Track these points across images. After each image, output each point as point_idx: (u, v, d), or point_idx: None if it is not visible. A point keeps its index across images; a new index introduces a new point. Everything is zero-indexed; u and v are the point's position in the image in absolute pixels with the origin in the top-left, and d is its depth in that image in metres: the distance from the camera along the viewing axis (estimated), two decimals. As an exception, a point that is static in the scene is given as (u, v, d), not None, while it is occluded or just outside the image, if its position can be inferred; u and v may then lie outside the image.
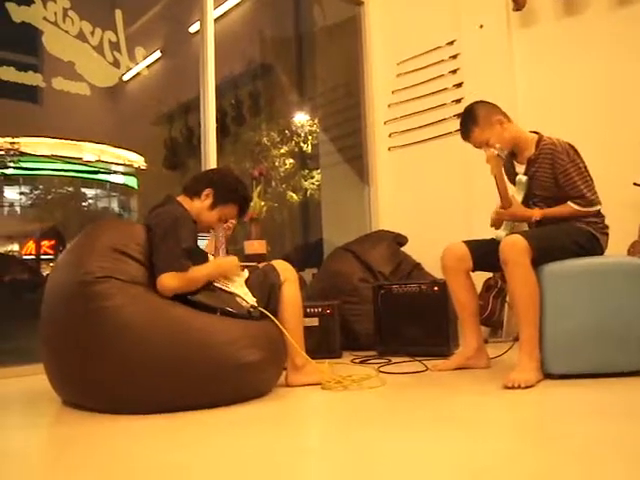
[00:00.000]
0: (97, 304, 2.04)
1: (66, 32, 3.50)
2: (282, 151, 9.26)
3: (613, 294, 2.38)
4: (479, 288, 3.64)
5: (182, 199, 2.48)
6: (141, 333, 2.04)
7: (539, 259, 2.41)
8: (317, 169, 7.66)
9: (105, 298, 2.04)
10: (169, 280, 2.16)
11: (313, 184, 8.88)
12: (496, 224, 2.75)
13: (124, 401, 2.06)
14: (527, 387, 2.21)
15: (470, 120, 2.69)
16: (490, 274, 3.80)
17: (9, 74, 3.27)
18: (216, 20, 4.19)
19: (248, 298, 2.36)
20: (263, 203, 3.59)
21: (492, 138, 2.63)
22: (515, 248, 2.38)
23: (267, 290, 2.46)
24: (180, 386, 2.05)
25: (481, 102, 2.74)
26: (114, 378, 2.04)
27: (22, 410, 2.36)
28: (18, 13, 3.35)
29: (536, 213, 2.58)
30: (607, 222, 2.61)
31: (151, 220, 2.35)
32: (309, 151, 9.05)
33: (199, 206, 2.48)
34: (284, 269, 2.54)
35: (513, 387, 2.21)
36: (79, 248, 2.24)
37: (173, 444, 1.69)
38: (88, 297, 2.05)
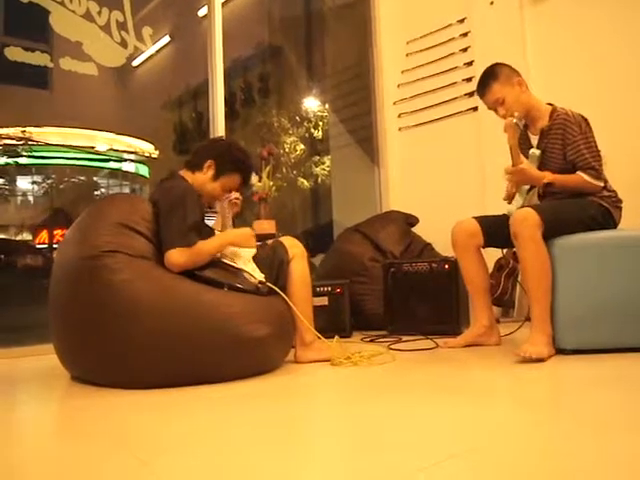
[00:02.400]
0: (104, 278, 2.03)
1: (73, 12, 3.49)
2: (293, 138, 9.22)
3: (627, 268, 2.34)
4: (490, 267, 3.60)
5: (184, 173, 2.46)
6: (148, 307, 2.03)
7: (550, 233, 2.37)
8: (328, 155, 7.62)
9: (112, 272, 2.04)
10: (177, 256, 2.15)
11: (324, 170, 8.84)
12: (509, 196, 2.71)
13: (131, 375, 2.06)
14: (538, 359, 2.18)
15: (491, 76, 2.65)
16: (501, 254, 3.75)
17: (17, 54, 3.27)
18: (224, 3, 4.17)
19: (256, 274, 2.35)
20: (272, 183, 3.57)
21: (509, 97, 2.59)
22: (526, 222, 2.35)
23: (275, 266, 2.45)
24: (187, 360, 2.05)
25: (503, 63, 2.70)
26: (122, 352, 2.04)
27: (33, 385, 2.36)
28: (25, -6, 3.35)
29: (548, 176, 2.51)
30: (621, 196, 2.56)
31: (156, 196, 2.34)
32: (320, 137, 9.01)
33: (202, 178, 2.44)
34: (292, 245, 2.52)
35: (525, 357, 2.17)
36: (85, 223, 2.24)
37: (180, 416, 1.69)
38: (95, 271, 2.05)
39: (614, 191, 2.56)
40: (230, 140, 2.63)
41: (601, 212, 2.47)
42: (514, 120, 2.53)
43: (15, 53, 3.27)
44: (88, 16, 3.57)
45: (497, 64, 2.69)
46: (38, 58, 3.37)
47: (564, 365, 2.19)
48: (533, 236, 2.34)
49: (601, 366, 2.13)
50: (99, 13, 3.62)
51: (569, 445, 1.24)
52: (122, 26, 3.71)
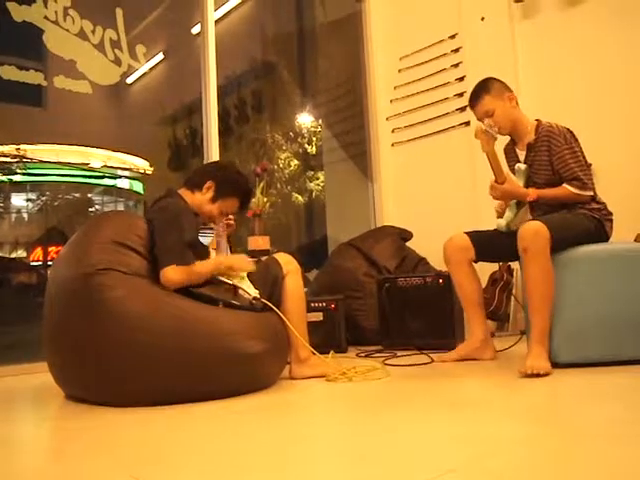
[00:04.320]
0: (99, 295, 2.03)
1: (67, 31, 3.51)
2: (287, 153, 9.26)
3: (621, 281, 2.35)
4: (485, 282, 3.61)
5: (183, 192, 2.47)
6: (144, 324, 2.03)
7: (555, 247, 2.34)
8: (322, 170, 7.66)
9: (107, 289, 2.04)
10: (172, 273, 2.15)
11: (318, 185, 8.88)
12: (499, 212, 2.72)
13: (126, 393, 2.04)
14: (546, 374, 2.17)
15: (483, 88, 2.69)
16: (496, 268, 3.77)
17: (11, 73, 3.28)
18: (217, 21, 4.20)
19: (250, 290, 2.35)
20: (266, 199, 3.57)
21: (498, 110, 2.62)
22: (538, 236, 2.30)
23: (270, 282, 2.44)
24: (183, 377, 2.04)
25: (497, 78, 2.74)
26: (116, 370, 2.03)
27: (27, 404, 2.36)
28: (19, 12, 3.37)
29: (531, 193, 2.52)
30: (612, 209, 2.58)
31: (152, 213, 2.34)
32: (313, 152, 9.04)
33: (200, 199, 2.47)
34: (287, 261, 2.52)
35: (532, 374, 2.15)
36: (80, 241, 2.24)
37: (175, 433, 1.68)
38: (89, 289, 2.04)
39: (603, 203, 2.57)
40: (232, 165, 2.65)
41: (595, 225, 2.48)
42: (484, 127, 2.55)
43: (9, 72, 3.28)
44: (82, 35, 3.59)
45: (490, 78, 2.74)
46: (32, 77, 3.38)
47: (559, 378, 2.19)
48: (544, 250, 2.30)
49: (596, 379, 2.13)
50: (93, 32, 3.64)
51: (566, 459, 1.24)
52: (116, 44, 3.73)
